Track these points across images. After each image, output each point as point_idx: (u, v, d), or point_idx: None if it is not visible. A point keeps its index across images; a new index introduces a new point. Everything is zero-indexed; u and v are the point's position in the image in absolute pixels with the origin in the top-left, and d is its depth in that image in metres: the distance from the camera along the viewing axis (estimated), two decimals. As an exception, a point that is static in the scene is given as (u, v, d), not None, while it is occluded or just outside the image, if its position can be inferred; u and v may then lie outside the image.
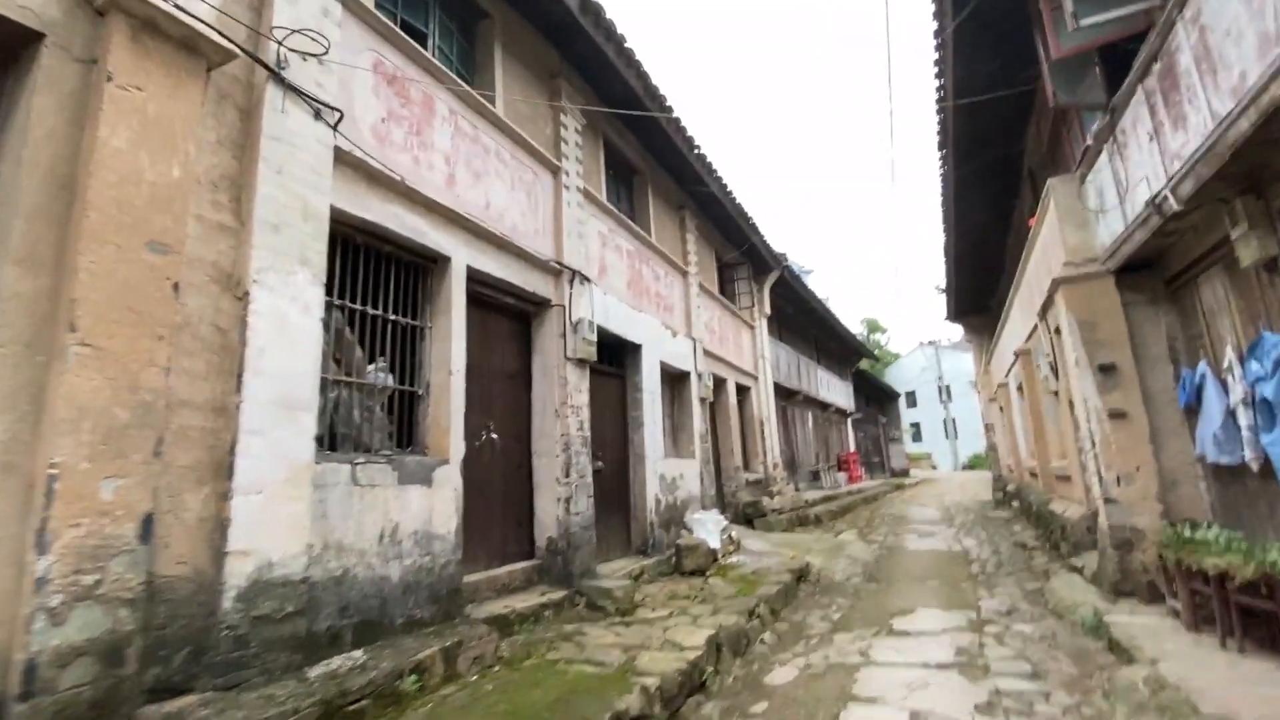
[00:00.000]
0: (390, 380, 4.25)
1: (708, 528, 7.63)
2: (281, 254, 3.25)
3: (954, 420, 44.64)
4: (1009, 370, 11.73)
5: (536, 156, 5.82)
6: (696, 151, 8.36)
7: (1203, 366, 4.69)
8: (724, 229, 10.70)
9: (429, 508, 4.04)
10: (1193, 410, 4.92)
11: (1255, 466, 4.14)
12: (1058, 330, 6.61)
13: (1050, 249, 6.27)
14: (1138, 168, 4.51)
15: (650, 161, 8.51)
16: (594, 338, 5.94)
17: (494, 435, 5.13)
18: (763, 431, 12.02)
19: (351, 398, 3.94)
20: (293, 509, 3.12)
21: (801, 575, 7.01)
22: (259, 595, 2.90)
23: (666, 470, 7.52)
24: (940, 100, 6.26)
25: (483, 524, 4.92)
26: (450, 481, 4.23)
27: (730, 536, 8.23)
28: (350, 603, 3.45)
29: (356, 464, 3.63)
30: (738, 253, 11.15)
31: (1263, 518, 4.31)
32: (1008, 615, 5.30)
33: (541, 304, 5.78)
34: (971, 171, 8.43)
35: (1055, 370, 7.20)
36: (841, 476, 18.94)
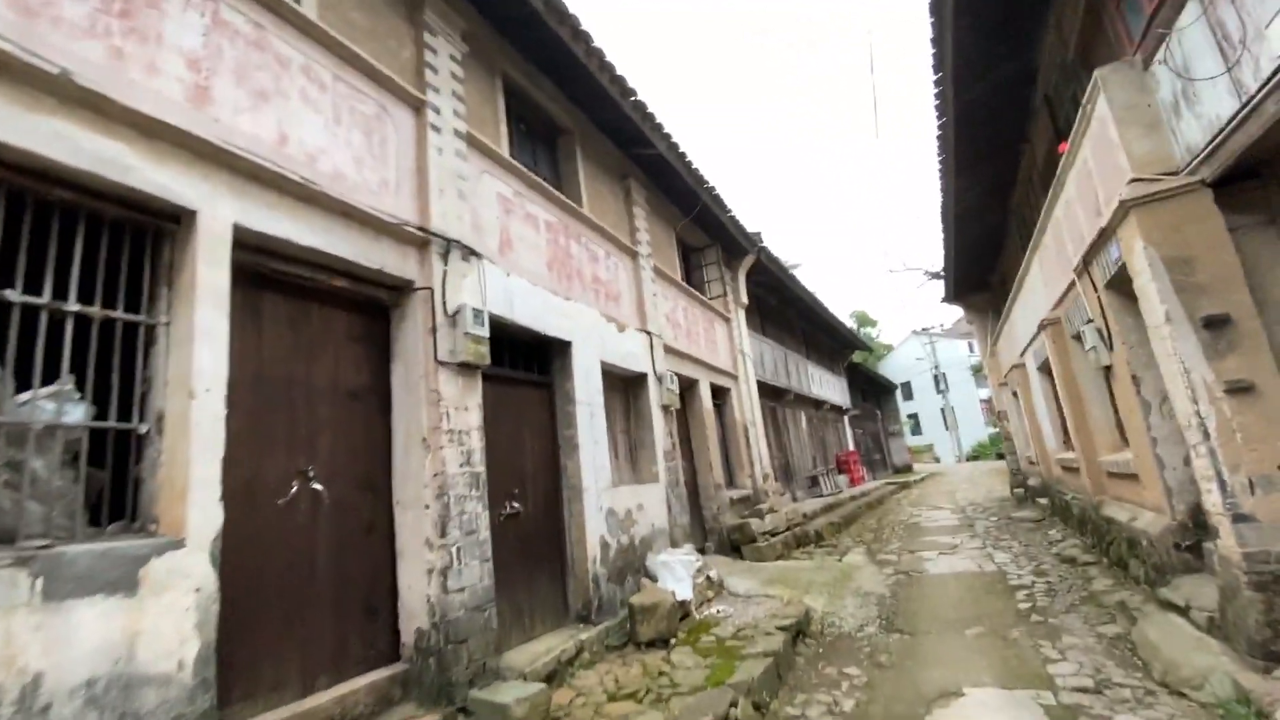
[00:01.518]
0: (79, 414, 2.53)
1: (676, 572, 5.91)
2: None
3: (952, 409, 43.27)
4: (1026, 348, 10.12)
5: (383, 84, 4.14)
6: (634, 99, 6.71)
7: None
8: (683, 204, 9.03)
9: (129, 632, 2.31)
10: (1357, 374, 3.28)
11: None
12: (1113, 283, 4.97)
13: (1099, 173, 4.64)
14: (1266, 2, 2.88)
15: (579, 117, 6.85)
16: (485, 332, 4.24)
17: (316, 485, 3.40)
18: (748, 438, 10.32)
19: (-36, 451, 2.22)
20: None
21: (800, 629, 5.30)
22: None
23: (617, 502, 5.79)
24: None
25: (295, 624, 3.18)
26: (184, 579, 2.50)
27: (709, 578, 6.51)
28: None
29: (-84, 580, 1.90)
30: (688, 219, 9.43)
31: None
32: (1098, 694, 3.60)
33: (399, 288, 4.07)
34: (975, 101, 6.83)
35: (1107, 337, 5.56)
36: (843, 479, 17.25)
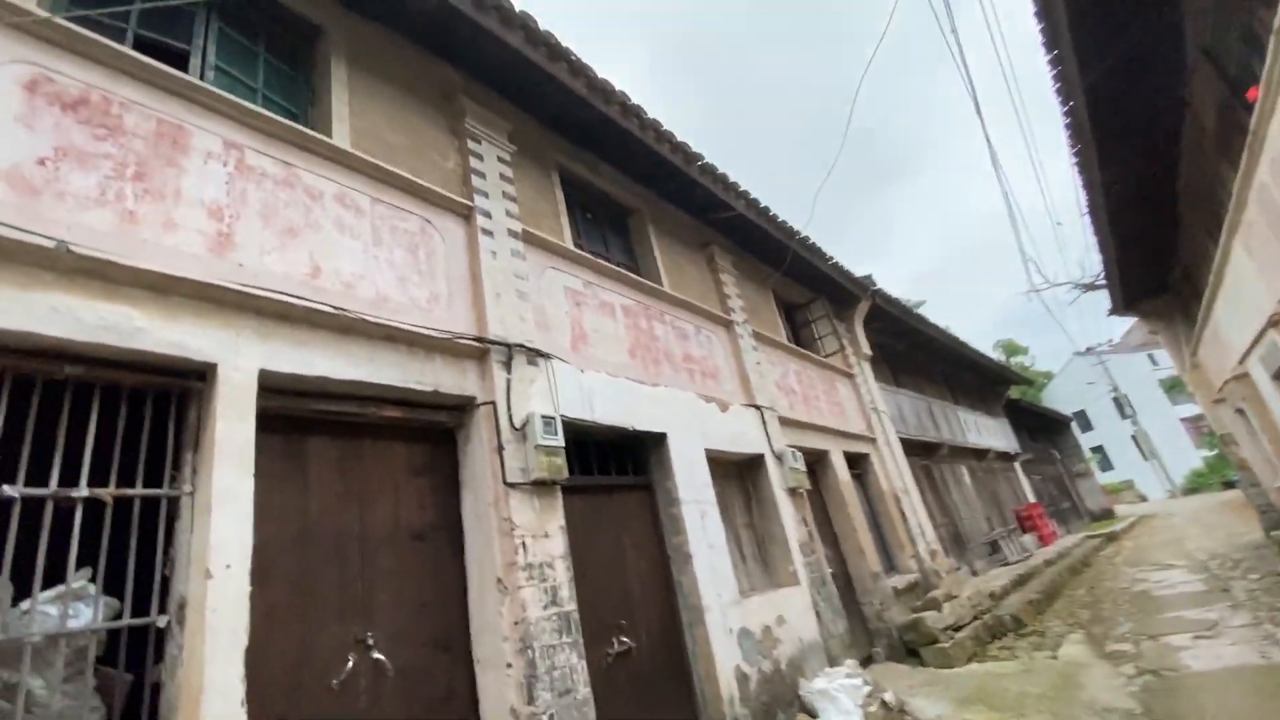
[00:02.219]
0: (87, 616, 2.21)
1: (840, 703, 4.73)
2: None
3: (1146, 436, 36.80)
4: (1247, 353, 8.00)
5: (426, 197, 3.95)
6: (700, 163, 6.28)
7: None
8: (775, 260, 8.30)
9: None
10: None
11: None
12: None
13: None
14: None
15: (645, 193, 6.51)
16: (559, 441, 3.69)
17: (377, 654, 2.89)
18: (901, 509, 8.83)
19: (-56, 685, 1.92)
20: None
21: (1024, 779, 3.91)
22: None
23: (750, 618, 4.82)
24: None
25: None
26: (189, 821, 2.01)
27: (884, 703, 5.20)
28: None
29: None
30: (781, 274, 8.62)
31: None
32: None
33: (460, 407, 3.67)
34: (1105, 75, 5.66)
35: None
36: (1029, 539, 14.51)
